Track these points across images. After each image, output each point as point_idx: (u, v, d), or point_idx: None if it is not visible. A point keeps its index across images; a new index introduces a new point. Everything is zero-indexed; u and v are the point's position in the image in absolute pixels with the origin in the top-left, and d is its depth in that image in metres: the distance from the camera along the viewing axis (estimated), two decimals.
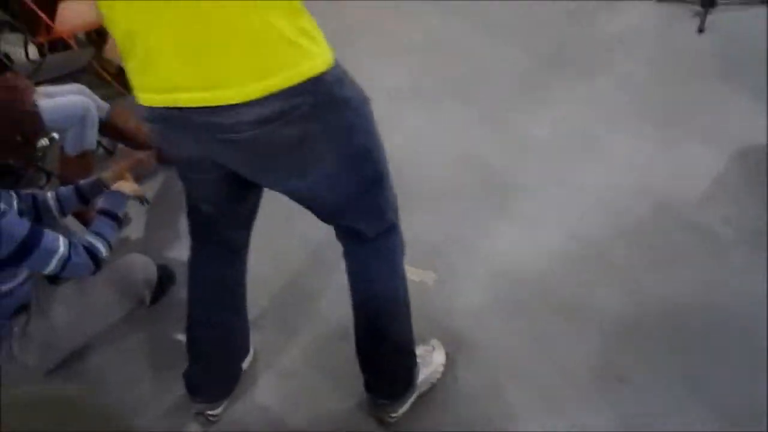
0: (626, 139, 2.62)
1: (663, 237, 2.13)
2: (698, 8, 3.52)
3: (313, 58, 1.13)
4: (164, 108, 1.18)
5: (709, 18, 3.42)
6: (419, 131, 2.74)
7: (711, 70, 3.02)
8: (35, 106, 2.25)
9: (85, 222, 2.00)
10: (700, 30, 3.38)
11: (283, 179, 1.28)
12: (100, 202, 1.87)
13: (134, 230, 2.57)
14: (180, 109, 1.15)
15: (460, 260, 2.18)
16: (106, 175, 2.01)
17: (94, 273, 1.70)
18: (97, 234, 1.75)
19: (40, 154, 2.44)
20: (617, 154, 2.55)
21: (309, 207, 1.41)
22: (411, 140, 2.66)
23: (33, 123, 2.22)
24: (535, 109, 2.95)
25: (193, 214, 1.54)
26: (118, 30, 1.15)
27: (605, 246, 2.14)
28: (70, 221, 2.29)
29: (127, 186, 1.93)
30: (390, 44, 3.66)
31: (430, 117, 2.87)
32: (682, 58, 3.17)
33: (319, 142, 1.20)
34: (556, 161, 2.57)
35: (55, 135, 2.40)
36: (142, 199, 2.04)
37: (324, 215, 1.45)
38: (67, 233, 1.72)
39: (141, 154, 2.10)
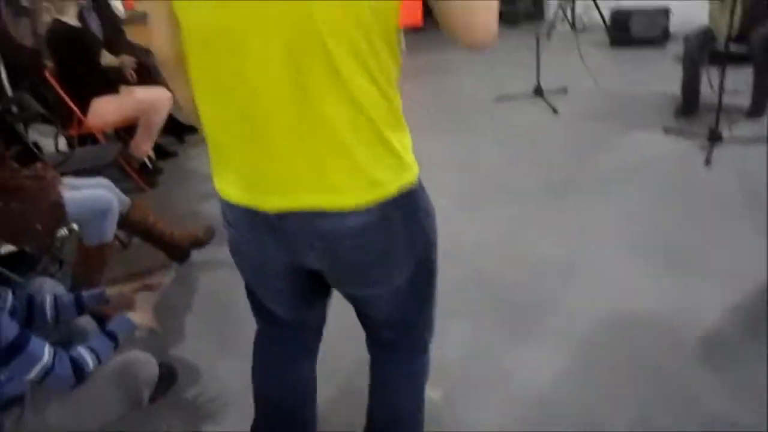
0: (635, 268, 2.64)
1: (671, 368, 2.10)
2: (705, 141, 3.65)
3: (410, 170, 1.17)
4: (259, 211, 1.15)
5: (716, 152, 3.54)
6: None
7: (717, 203, 3.09)
8: (60, 197, 2.32)
9: (100, 320, 1.99)
10: (707, 162, 3.48)
11: (359, 285, 1.28)
12: (110, 323, 1.85)
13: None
14: (278, 211, 1.13)
15: (468, 378, 2.14)
16: (111, 291, 1.98)
17: (73, 387, 1.67)
18: (92, 350, 1.72)
19: (58, 244, 2.48)
20: (626, 282, 2.56)
21: (365, 313, 1.41)
22: None
23: (57, 214, 2.28)
24: (547, 230, 3.00)
25: (264, 314, 1.51)
26: (224, 133, 1.14)
27: (614, 372, 2.10)
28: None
29: (138, 316, 1.90)
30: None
31: (446, 233, 2.90)
32: (689, 190, 3.25)
33: (402, 249, 1.22)
34: (567, 284, 2.58)
35: (75, 226, 2.45)
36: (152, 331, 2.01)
37: (375, 323, 1.44)
38: (80, 335, 1.71)
39: (151, 279, 2.08)
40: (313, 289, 1.40)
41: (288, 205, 1.12)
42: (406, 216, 1.18)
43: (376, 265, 1.21)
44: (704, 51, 4.07)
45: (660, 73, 5.14)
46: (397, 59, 1.09)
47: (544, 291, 2.55)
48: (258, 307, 1.51)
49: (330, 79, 1.01)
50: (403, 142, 1.15)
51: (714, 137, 3.63)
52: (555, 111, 4.53)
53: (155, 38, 1.16)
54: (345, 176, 1.09)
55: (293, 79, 1.02)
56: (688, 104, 4.19)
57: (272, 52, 1.00)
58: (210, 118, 1.15)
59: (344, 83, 1.02)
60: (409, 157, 1.17)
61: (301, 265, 1.24)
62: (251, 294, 1.48)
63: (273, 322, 1.51)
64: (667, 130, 3.96)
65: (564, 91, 4.89)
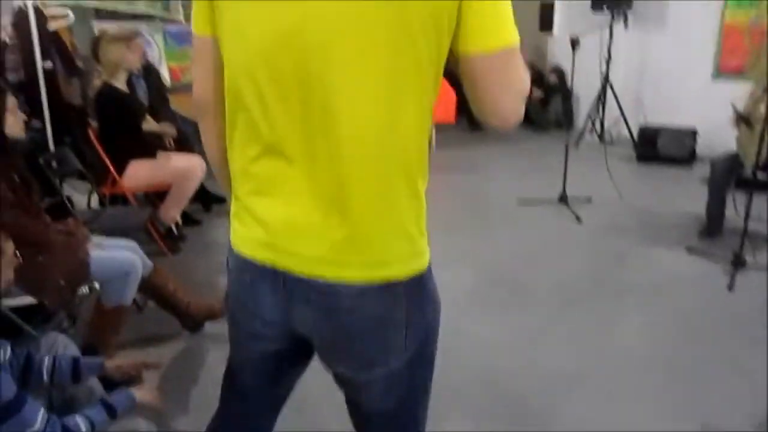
0: (647, 388, 2.58)
1: None
2: (728, 265, 3.63)
3: (422, 256, 1.18)
4: (266, 265, 1.17)
5: (739, 277, 3.51)
6: (448, 343, 2.73)
7: (737, 329, 3.03)
8: (87, 255, 2.35)
9: (107, 385, 1.97)
10: (730, 287, 3.45)
11: (353, 361, 1.25)
12: (111, 395, 1.83)
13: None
14: (288, 271, 1.15)
15: None
16: (111, 363, 1.95)
17: None
18: (87, 418, 1.69)
19: (77, 301, 2.49)
20: (636, 401, 2.49)
21: (358, 403, 1.36)
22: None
23: (81, 272, 2.31)
24: (561, 340, 2.97)
25: (234, 385, 1.50)
26: (244, 185, 1.17)
27: None
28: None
29: (141, 393, 1.88)
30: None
31: (458, 331, 2.91)
32: (709, 314, 3.21)
33: (401, 329, 1.20)
34: (576, 397, 2.52)
35: (97, 285, 2.47)
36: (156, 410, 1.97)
37: (367, 418, 1.38)
38: (85, 396, 1.69)
39: (154, 361, 2.05)
40: (291, 362, 1.38)
41: (293, 268, 1.14)
42: (411, 298, 1.18)
43: (372, 335, 1.18)
44: (731, 176, 4.11)
45: (685, 193, 5.19)
46: (427, 145, 1.12)
47: (551, 401, 2.49)
48: (230, 378, 1.49)
49: (352, 155, 1.05)
50: (420, 226, 1.16)
51: (738, 262, 3.61)
52: (579, 220, 4.56)
53: (196, 77, 1.21)
54: (354, 251, 1.10)
55: (315, 144, 1.06)
56: (713, 226, 4.20)
57: (292, 102, 1.05)
58: (236, 168, 1.19)
59: (369, 161, 1.06)
60: (423, 244, 1.18)
61: (292, 326, 1.23)
62: (230, 360, 1.47)
63: (239, 397, 1.49)
64: (690, 250, 3.95)
65: (589, 200, 4.94)
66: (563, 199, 4.85)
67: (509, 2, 1.06)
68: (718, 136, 5.16)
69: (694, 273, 3.70)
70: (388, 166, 1.08)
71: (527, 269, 3.78)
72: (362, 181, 1.07)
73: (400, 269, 1.14)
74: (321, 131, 1.06)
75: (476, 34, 1.04)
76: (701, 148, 6.08)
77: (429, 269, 1.21)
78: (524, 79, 1.10)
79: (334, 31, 1.00)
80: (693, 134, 6.14)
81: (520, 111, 1.12)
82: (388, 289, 1.14)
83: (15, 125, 2.44)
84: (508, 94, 1.09)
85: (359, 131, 1.05)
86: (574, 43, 4.74)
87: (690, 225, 4.41)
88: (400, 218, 1.11)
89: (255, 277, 1.21)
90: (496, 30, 1.05)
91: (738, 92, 4.17)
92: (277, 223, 1.14)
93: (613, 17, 6.67)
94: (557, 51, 7.86)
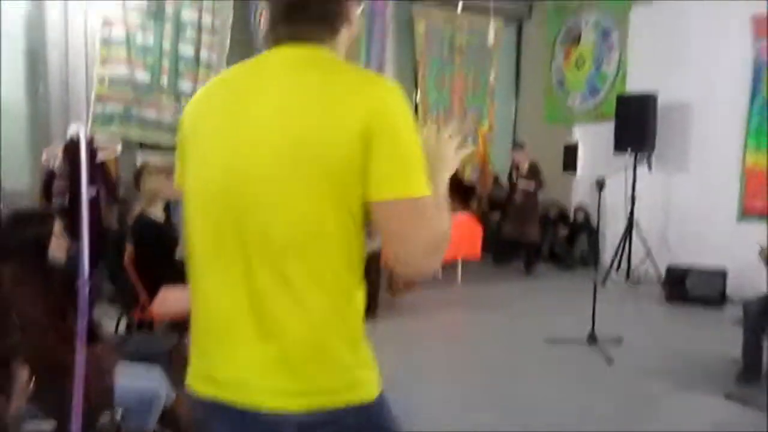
0: None
1: None
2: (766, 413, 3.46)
3: (366, 386, 1.18)
4: (215, 401, 1.20)
5: None
6: None
7: None
8: (113, 382, 2.34)
9: None
10: None
11: None
12: None
13: None
14: (232, 404, 1.17)
15: None
16: None
17: None
18: None
19: (98, 428, 2.45)
20: None
21: None
22: None
23: (106, 398, 2.29)
24: None
25: None
26: (194, 326, 1.25)
27: None
28: None
29: None
30: (454, 393, 3.68)
31: None
32: None
33: None
34: None
35: (119, 413, 2.44)
36: None
37: None
38: None
39: None
40: None
41: (235, 400, 1.15)
42: (360, 426, 1.17)
43: None
44: (765, 318, 4.02)
45: (717, 335, 5.05)
46: (357, 280, 1.16)
47: None
48: None
49: (280, 287, 1.10)
50: (359, 356, 1.17)
51: None
52: (609, 361, 4.41)
53: None
54: (289, 380, 1.12)
55: (248, 283, 1.13)
56: (750, 371, 4.04)
57: (229, 250, 1.14)
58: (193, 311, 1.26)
59: (296, 293, 1.10)
60: (366, 374, 1.18)
61: None
62: None
63: None
64: (728, 396, 3.78)
65: (619, 341, 4.80)
66: (592, 338, 4.72)
67: (419, 153, 1.09)
68: (748, 277, 5.11)
69: (734, 421, 3.52)
70: (315, 301, 1.11)
71: (556, 412, 3.62)
72: (292, 314, 1.11)
73: (340, 398, 1.14)
74: (253, 272, 1.12)
75: (378, 183, 1.07)
76: (731, 288, 5.99)
77: (381, 399, 1.21)
78: (435, 232, 1.11)
79: (261, 185, 1.10)
80: (723, 275, 6.05)
81: (429, 264, 1.14)
82: (333, 421, 1.14)
83: (58, 249, 2.54)
84: (413, 245, 1.10)
85: (284, 270, 1.10)
86: (601, 185, 4.84)
87: (726, 369, 4.24)
88: (333, 347, 1.14)
89: (206, 415, 1.24)
90: (399, 179, 1.07)
91: (764, 234, 4.19)
92: (216, 356, 1.19)
93: (636, 159, 6.85)
94: (581, 189, 8.03)
